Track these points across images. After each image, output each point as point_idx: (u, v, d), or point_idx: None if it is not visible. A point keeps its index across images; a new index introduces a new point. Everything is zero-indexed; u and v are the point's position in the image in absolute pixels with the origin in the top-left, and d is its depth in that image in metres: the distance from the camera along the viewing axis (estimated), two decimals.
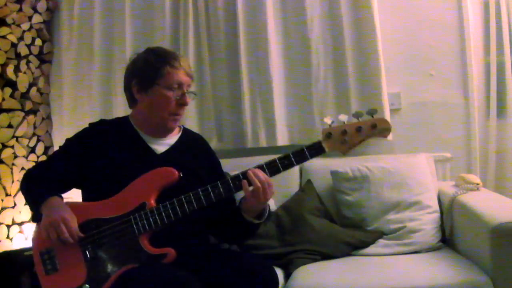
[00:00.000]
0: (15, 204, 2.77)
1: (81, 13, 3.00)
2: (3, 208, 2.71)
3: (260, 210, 1.69)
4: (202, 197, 1.60)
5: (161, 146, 1.80)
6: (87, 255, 1.60)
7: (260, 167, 1.62)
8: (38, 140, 2.97)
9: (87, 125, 1.86)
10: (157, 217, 1.59)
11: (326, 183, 2.44)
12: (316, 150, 1.61)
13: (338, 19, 2.66)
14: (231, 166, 2.39)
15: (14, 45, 2.81)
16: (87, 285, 1.57)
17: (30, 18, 2.92)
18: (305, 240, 2.18)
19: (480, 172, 2.59)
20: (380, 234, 2.20)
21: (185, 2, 2.80)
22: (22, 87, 2.85)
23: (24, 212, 2.78)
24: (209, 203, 1.61)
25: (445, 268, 1.84)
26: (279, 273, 1.92)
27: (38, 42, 2.98)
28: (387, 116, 2.60)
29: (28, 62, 2.92)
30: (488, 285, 1.70)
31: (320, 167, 2.44)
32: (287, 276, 2.00)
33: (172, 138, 1.84)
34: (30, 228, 2.78)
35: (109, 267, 1.58)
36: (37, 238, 1.67)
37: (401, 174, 2.30)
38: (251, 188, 1.59)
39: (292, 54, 2.74)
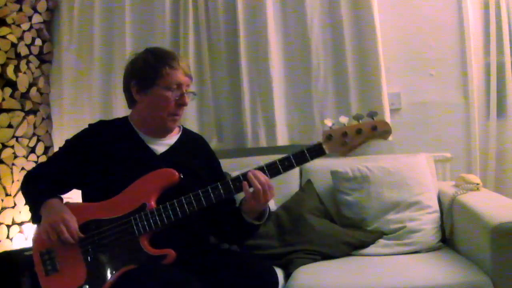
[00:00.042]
0: (15, 204, 2.77)
1: (81, 13, 3.00)
2: (3, 208, 2.71)
3: (260, 211, 1.69)
4: (202, 198, 1.60)
5: (160, 146, 1.80)
6: (87, 255, 1.60)
7: (261, 168, 1.62)
8: (38, 140, 2.97)
9: (87, 126, 1.87)
10: (157, 218, 1.59)
11: (326, 183, 2.44)
12: (316, 152, 1.61)
13: (338, 19, 2.66)
14: (231, 166, 2.40)
15: (14, 45, 2.81)
16: (86, 286, 1.57)
17: (30, 18, 2.92)
18: (305, 240, 2.18)
19: (480, 172, 2.59)
20: (380, 234, 2.20)
21: (185, 2, 2.81)
22: (22, 87, 2.85)
23: (24, 212, 2.78)
24: (209, 204, 1.61)
25: (445, 268, 1.84)
26: (279, 273, 1.92)
27: (38, 42, 2.99)
28: (387, 116, 2.60)
29: (28, 62, 2.92)
30: (488, 285, 1.70)
31: (320, 167, 2.44)
32: (287, 276, 2.00)
33: (172, 139, 1.84)
34: (30, 228, 2.78)
35: (109, 268, 1.58)
36: (37, 238, 1.67)
37: (401, 174, 2.29)
38: (251, 189, 1.59)
39: (292, 54, 2.74)
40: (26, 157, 2.87)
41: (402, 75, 2.73)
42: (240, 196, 1.67)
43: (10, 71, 2.77)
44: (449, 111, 2.68)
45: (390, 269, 1.92)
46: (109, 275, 1.57)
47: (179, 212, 1.60)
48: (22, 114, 2.85)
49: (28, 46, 2.92)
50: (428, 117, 2.71)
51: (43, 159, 2.96)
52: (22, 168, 2.82)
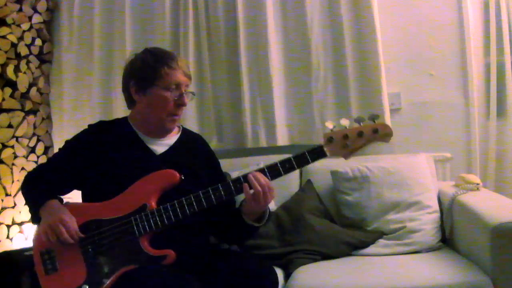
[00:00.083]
0: (15, 204, 2.77)
1: (81, 13, 3.00)
2: (3, 208, 2.72)
3: (260, 213, 1.69)
4: (202, 199, 1.60)
5: (160, 146, 1.80)
6: (87, 255, 1.61)
7: (261, 170, 1.62)
8: (38, 140, 2.97)
9: (86, 126, 1.86)
10: (158, 219, 1.59)
11: (326, 183, 2.44)
12: (317, 154, 1.61)
13: (338, 19, 2.66)
14: (231, 166, 2.41)
15: (14, 45, 2.81)
16: (86, 286, 1.57)
17: (30, 18, 2.92)
18: (305, 240, 2.18)
19: (480, 172, 2.59)
20: (380, 234, 2.20)
21: (185, 2, 2.81)
22: (22, 87, 2.85)
23: (24, 212, 2.78)
24: (210, 205, 1.61)
25: (445, 268, 1.84)
26: (279, 273, 1.93)
27: (38, 42, 2.99)
28: (387, 116, 2.60)
29: (28, 62, 2.92)
30: (488, 285, 1.70)
31: (320, 167, 2.44)
32: (287, 276, 2.01)
33: (171, 139, 1.84)
34: (30, 228, 2.78)
35: (109, 268, 1.58)
36: (38, 238, 1.68)
37: (401, 174, 2.30)
38: (251, 191, 1.59)
39: (292, 54, 2.74)
40: (26, 157, 2.87)
41: (402, 75, 2.73)
42: (240, 197, 1.67)
43: (10, 71, 2.77)
44: (449, 111, 2.68)
45: (390, 269, 1.92)
46: (109, 275, 1.57)
47: (179, 213, 1.60)
48: (22, 114, 2.85)
49: (28, 46, 2.92)
50: (428, 117, 2.71)
51: (43, 159, 2.96)
52: (22, 168, 2.82)
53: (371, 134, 1.60)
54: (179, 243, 1.61)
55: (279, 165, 1.62)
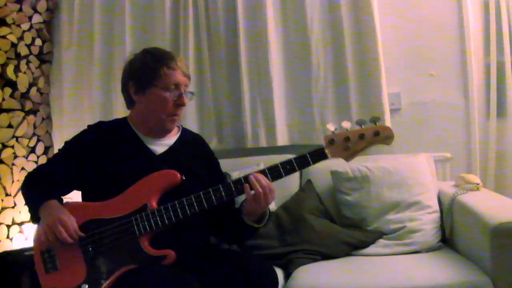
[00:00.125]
0: (15, 204, 2.77)
1: (81, 13, 3.00)
2: (3, 208, 2.71)
3: (260, 214, 1.69)
4: (203, 200, 1.61)
5: (160, 147, 1.80)
6: (87, 255, 1.61)
7: (262, 172, 1.62)
8: (38, 140, 2.97)
9: (86, 126, 1.86)
10: (158, 219, 1.59)
11: (326, 183, 2.44)
12: (318, 156, 1.62)
13: (338, 19, 2.65)
14: (231, 166, 2.41)
15: (14, 45, 2.81)
16: (86, 285, 1.57)
17: (30, 18, 2.92)
18: (305, 240, 2.18)
19: (480, 172, 2.59)
20: (380, 234, 2.20)
21: (185, 2, 2.80)
22: (22, 87, 2.85)
23: (24, 212, 2.78)
24: (210, 206, 1.61)
25: (445, 268, 1.84)
26: (279, 273, 1.93)
27: (38, 42, 2.98)
28: (387, 116, 2.60)
29: (28, 62, 2.91)
30: (488, 285, 1.70)
31: (320, 167, 2.41)
32: (287, 276, 2.01)
33: (171, 139, 1.84)
34: (30, 228, 2.78)
35: (109, 268, 1.58)
36: (38, 237, 1.68)
37: (401, 174, 2.30)
38: (252, 192, 1.59)
39: (292, 54, 2.74)
40: (26, 157, 2.87)
41: (402, 75, 2.73)
42: (240, 197, 1.67)
43: (10, 71, 2.77)
44: (449, 111, 2.68)
45: (390, 269, 1.92)
46: (108, 275, 1.57)
47: (180, 213, 1.60)
48: (22, 114, 2.85)
49: (28, 46, 2.91)
50: (428, 117, 2.71)
51: (43, 159, 2.96)
52: (22, 168, 2.82)
53: (373, 136, 1.60)
54: (179, 243, 1.61)
55: (280, 166, 1.62)
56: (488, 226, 1.74)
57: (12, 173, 2.76)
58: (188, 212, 1.60)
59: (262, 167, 2.32)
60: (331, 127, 1.62)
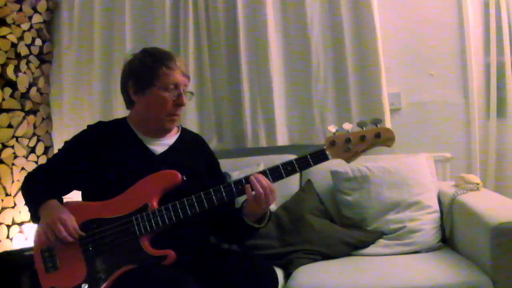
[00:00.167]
0: (15, 204, 2.77)
1: (81, 13, 3.00)
2: (3, 208, 2.71)
3: (261, 214, 1.69)
4: (204, 200, 1.61)
5: (159, 146, 1.80)
6: (87, 254, 1.61)
7: (263, 172, 1.62)
8: (38, 140, 2.97)
9: (86, 126, 1.86)
10: (159, 219, 1.59)
11: (326, 183, 2.44)
12: (319, 157, 1.62)
13: (338, 19, 2.65)
14: (231, 166, 2.41)
15: (14, 45, 2.81)
16: (86, 285, 1.57)
17: (30, 18, 2.92)
18: (305, 240, 2.18)
19: (480, 172, 2.59)
20: (380, 234, 2.20)
21: (185, 2, 2.80)
22: (22, 87, 2.85)
23: (24, 212, 2.78)
24: (211, 206, 1.61)
25: (445, 268, 1.84)
26: (279, 273, 1.93)
27: (38, 42, 2.99)
28: (387, 116, 2.60)
29: (28, 62, 2.92)
30: (488, 285, 1.70)
31: (320, 167, 2.40)
32: (287, 276, 2.01)
33: (171, 139, 1.84)
34: (30, 228, 2.78)
35: (109, 267, 1.58)
36: (38, 237, 1.68)
37: (401, 174, 2.30)
38: (253, 193, 1.59)
39: (292, 54, 2.74)
40: (26, 157, 2.87)
41: (402, 75, 2.73)
42: (241, 198, 1.67)
43: (10, 71, 2.77)
44: (449, 111, 2.68)
45: (390, 269, 1.92)
46: (108, 275, 1.57)
47: (180, 213, 1.60)
48: (22, 114, 2.85)
49: (28, 46, 2.92)
50: (428, 117, 2.71)
51: (43, 159, 2.96)
52: (22, 168, 2.82)
53: (374, 138, 1.61)
54: (179, 243, 1.61)
55: (281, 167, 1.62)
56: (488, 226, 1.74)
57: (12, 173, 2.76)
58: (189, 212, 1.60)
59: (262, 167, 2.34)
60: (332, 128, 1.63)
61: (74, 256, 1.61)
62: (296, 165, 1.62)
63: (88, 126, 1.86)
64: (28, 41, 2.91)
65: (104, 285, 1.56)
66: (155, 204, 1.62)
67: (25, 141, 2.87)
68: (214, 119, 2.82)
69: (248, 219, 1.69)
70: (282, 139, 2.72)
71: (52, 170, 1.78)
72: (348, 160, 1.63)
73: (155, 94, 1.72)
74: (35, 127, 2.95)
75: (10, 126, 2.77)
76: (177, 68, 1.73)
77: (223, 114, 2.82)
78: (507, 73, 2.58)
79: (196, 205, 1.60)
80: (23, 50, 2.87)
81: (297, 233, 2.22)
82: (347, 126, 1.61)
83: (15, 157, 2.79)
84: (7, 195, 2.73)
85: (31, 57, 2.94)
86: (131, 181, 1.66)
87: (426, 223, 2.17)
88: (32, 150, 2.93)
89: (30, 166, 2.83)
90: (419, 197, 2.24)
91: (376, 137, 1.61)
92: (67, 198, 1.80)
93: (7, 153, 2.74)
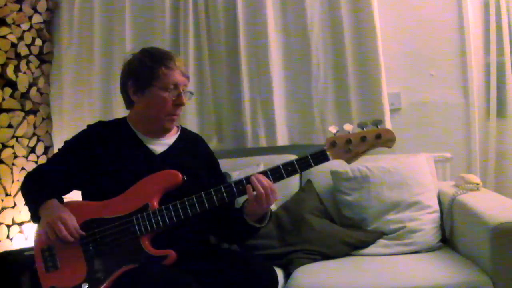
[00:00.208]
0: (15, 204, 2.77)
1: (81, 13, 3.00)
2: (3, 208, 2.71)
3: (261, 214, 1.69)
4: (205, 201, 1.61)
5: (159, 146, 1.80)
6: (87, 254, 1.61)
7: (264, 173, 1.62)
8: (38, 140, 2.97)
9: (86, 126, 1.86)
10: (159, 219, 1.60)
11: (326, 183, 2.44)
12: (320, 158, 1.62)
13: (338, 19, 2.65)
14: (231, 166, 2.41)
15: (14, 45, 2.81)
16: (86, 284, 1.57)
17: (30, 18, 2.92)
18: (305, 240, 2.18)
19: (480, 172, 2.59)
20: (380, 234, 2.20)
21: (185, 2, 2.80)
22: (22, 87, 2.85)
23: (24, 212, 2.78)
24: (212, 206, 1.62)
25: (445, 268, 1.85)
26: (279, 273, 1.93)
27: (38, 42, 2.98)
28: (387, 116, 2.60)
29: (28, 62, 2.92)
30: (488, 285, 1.70)
31: (320, 167, 2.39)
32: (287, 276, 2.01)
33: (171, 138, 1.84)
34: (30, 228, 2.78)
35: (109, 267, 1.58)
36: (38, 236, 1.68)
37: (401, 174, 2.30)
38: (254, 193, 1.60)
39: (292, 54, 2.74)
40: (26, 157, 2.87)
41: (402, 75, 2.73)
42: (241, 198, 1.67)
43: (10, 71, 2.77)
44: (449, 111, 2.68)
45: (390, 269, 1.92)
46: (109, 274, 1.57)
47: (181, 213, 1.60)
48: (22, 114, 2.85)
49: (28, 46, 2.92)
50: (428, 117, 2.71)
51: (43, 159, 2.96)
52: (22, 168, 2.82)
53: (374, 139, 1.61)
54: (179, 243, 1.61)
55: (281, 167, 1.63)
56: (488, 226, 1.74)
57: (12, 173, 2.76)
58: (190, 212, 1.60)
59: (262, 167, 2.34)
60: (333, 129, 1.63)
61: (74, 255, 1.61)
62: (297, 166, 1.62)
63: (88, 126, 1.86)
64: (28, 41, 2.91)
65: (104, 284, 1.56)
66: (155, 204, 1.62)
67: (25, 141, 2.87)
68: (214, 119, 2.82)
69: (249, 218, 1.69)
70: (282, 139, 2.72)
71: (52, 170, 1.78)
72: (348, 161, 1.64)
73: (155, 94, 1.72)
74: (35, 127, 2.95)
75: (10, 126, 2.77)
76: (177, 68, 1.73)
77: (223, 114, 2.82)
78: (507, 73, 2.58)
79: (196, 205, 1.61)
80: (23, 50, 2.87)
81: (297, 233, 2.22)
82: (347, 127, 1.62)
83: (15, 157, 2.79)
84: (7, 195, 2.73)
85: (31, 57, 2.94)
86: (131, 181, 1.66)
87: (426, 223, 2.17)
88: (32, 150, 2.93)
89: (30, 166, 2.83)
90: (419, 197, 2.24)
91: (377, 138, 1.61)
92: (67, 198, 1.80)
93: (7, 153, 2.74)
